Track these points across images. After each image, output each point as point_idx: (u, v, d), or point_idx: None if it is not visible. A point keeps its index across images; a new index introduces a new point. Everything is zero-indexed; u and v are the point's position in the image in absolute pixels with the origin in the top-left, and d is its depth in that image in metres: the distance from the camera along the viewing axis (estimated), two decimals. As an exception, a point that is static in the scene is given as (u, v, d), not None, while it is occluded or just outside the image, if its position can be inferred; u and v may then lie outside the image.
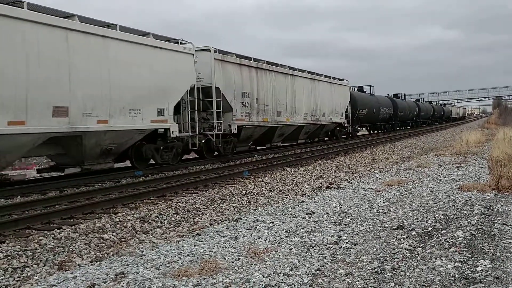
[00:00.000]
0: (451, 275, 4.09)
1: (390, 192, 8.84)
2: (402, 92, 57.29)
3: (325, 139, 28.90)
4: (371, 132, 41.25)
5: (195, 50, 15.35)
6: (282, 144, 23.65)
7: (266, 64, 20.06)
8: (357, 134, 34.38)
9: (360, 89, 37.82)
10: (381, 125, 42.07)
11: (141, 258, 5.24)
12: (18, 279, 5.31)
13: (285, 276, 4.22)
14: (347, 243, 5.28)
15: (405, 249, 4.92)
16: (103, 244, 6.67)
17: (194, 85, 15.01)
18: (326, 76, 26.08)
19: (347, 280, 4.10)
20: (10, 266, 5.56)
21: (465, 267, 4.29)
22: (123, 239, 6.98)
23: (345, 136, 30.60)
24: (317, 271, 4.34)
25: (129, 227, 7.46)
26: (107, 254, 6.17)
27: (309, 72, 24.17)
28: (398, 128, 46.51)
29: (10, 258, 5.75)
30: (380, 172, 13.55)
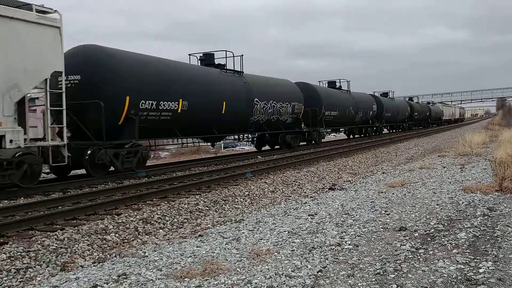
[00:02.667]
0: (453, 276, 4.08)
1: (393, 193, 8.82)
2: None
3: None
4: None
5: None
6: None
7: None
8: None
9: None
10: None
11: (143, 259, 5.24)
12: (21, 280, 5.32)
13: (287, 278, 4.22)
14: (349, 244, 5.27)
15: (407, 250, 4.91)
16: (106, 245, 6.68)
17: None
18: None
19: (349, 281, 4.09)
20: (13, 267, 5.58)
21: (468, 269, 4.28)
22: (126, 240, 6.99)
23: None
24: (319, 273, 4.34)
25: (132, 228, 7.47)
26: (110, 255, 6.19)
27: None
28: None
29: (13, 259, 5.77)
30: (383, 173, 13.53)
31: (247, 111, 18.50)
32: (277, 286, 4.04)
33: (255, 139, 22.57)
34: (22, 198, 9.73)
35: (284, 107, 21.17)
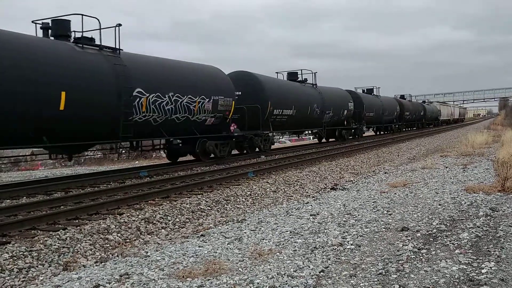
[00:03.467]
0: (456, 277, 4.07)
1: (395, 193, 8.82)
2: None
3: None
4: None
5: None
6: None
7: None
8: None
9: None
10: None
11: (145, 259, 5.25)
12: (23, 279, 5.33)
13: (289, 278, 4.22)
14: (351, 244, 5.27)
15: (409, 250, 4.91)
16: (108, 245, 6.69)
17: None
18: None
19: (352, 281, 4.09)
20: (15, 266, 5.59)
21: (470, 269, 4.27)
22: (128, 240, 6.99)
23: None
24: (321, 273, 4.34)
25: (134, 228, 7.48)
26: (112, 255, 6.19)
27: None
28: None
29: (15, 258, 5.78)
30: (385, 173, 13.52)
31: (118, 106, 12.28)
32: (279, 286, 4.04)
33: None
34: (25, 197, 9.76)
35: (198, 102, 15.09)
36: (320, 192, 10.93)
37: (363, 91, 36.10)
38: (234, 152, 18.94)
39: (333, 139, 28.84)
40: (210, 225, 7.83)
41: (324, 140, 28.83)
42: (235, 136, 17.48)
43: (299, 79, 24.67)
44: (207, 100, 15.60)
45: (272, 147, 21.55)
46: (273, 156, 19.04)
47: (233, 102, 17.02)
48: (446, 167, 12.84)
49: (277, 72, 23.84)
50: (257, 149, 19.51)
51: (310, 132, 28.56)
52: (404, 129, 45.39)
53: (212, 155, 16.47)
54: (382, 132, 40.85)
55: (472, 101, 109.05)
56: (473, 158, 15.02)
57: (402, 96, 49.04)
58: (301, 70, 24.98)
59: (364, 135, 34.06)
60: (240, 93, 18.62)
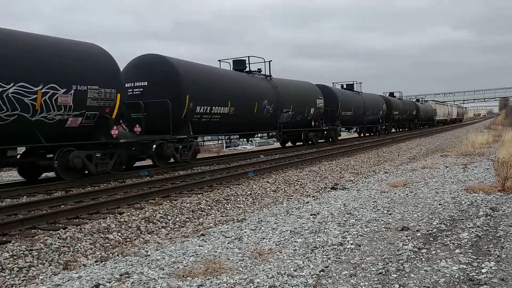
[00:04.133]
0: (456, 276, 4.08)
1: (395, 193, 8.82)
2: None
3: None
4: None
5: None
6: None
7: None
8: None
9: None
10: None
11: (145, 258, 5.25)
12: (23, 278, 5.33)
13: (289, 277, 4.22)
14: (351, 244, 5.27)
15: (410, 250, 4.91)
16: (108, 244, 6.69)
17: None
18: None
19: (352, 281, 4.09)
20: (15, 265, 5.59)
21: (470, 268, 4.28)
22: (128, 239, 7.00)
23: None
24: (322, 272, 4.34)
25: (134, 227, 7.48)
26: (112, 254, 6.20)
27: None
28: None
29: (15, 257, 5.78)
30: (385, 173, 13.52)
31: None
32: (279, 285, 4.04)
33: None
34: (25, 197, 9.76)
35: (43, 94, 9.89)
36: (320, 191, 10.94)
37: (342, 86, 31.54)
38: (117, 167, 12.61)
39: (301, 143, 24.42)
40: (210, 224, 7.83)
41: (290, 144, 25.14)
42: (123, 144, 12.34)
43: (246, 69, 19.77)
44: (63, 90, 10.58)
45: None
46: (272, 156, 18.80)
47: (119, 94, 12.09)
48: (447, 167, 12.84)
49: (219, 60, 19.20)
50: (172, 160, 14.67)
51: (267, 135, 23.22)
52: (393, 130, 40.96)
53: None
54: (367, 134, 36.05)
55: (473, 101, 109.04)
56: (474, 158, 15.02)
57: (392, 94, 44.23)
58: (249, 57, 19.84)
59: (340, 138, 29.73)
60: (146, 83, 14.42)
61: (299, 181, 12.70)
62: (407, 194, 8.54)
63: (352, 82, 32.08)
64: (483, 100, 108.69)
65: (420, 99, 58.98)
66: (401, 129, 45.59)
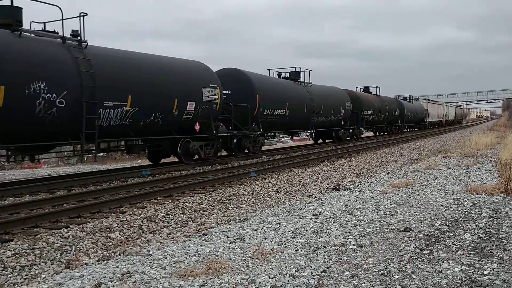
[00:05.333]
0: (458, 278, 4.07)
1: (398, 194, 8.80)
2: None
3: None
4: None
5: None
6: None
7: None
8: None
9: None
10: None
11: (147, 258, 5.26)
12: (26, 277, 5.35)
13: (291, 277, 4.21)
14: (353, 244, 5.26)
15: (412, 251, 4.90)
16: (110, 243, 6.71)
17: None
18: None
19: (353, 282, 4.09)
20: (18, 264, 5.61)
21: (473, 270, 4.26)
22: (130, 239, 7.01)
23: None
24: (323, 273, 4.34)
25: (136, 226, 7.50)
26: (114, 253, 6.21)
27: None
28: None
29: (18, 256, 5.80)
30: (387, 173, 13.50)
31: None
32: (281, 285, 4.04)
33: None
34: (27, 195, 9.78)
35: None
36: (323, 192, 10.93)
37: (291, 77, 23.80)
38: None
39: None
40: (212, 224, 7.84)
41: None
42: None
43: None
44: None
45: (272, 147, 21.52)
46: (274, 156, 19.01)
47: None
48: (449, 168, 12.81)
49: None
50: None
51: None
52: (364, 135, 33.09)
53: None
54: (320, 141, 28.74)
55: (476, 102, 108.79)
56: (476, 159, 14.98)
57: (367, 89, 35.18)
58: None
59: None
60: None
61: (301, 182, 12.70)
62: (409, 195, 8.53)
63: (295, 71, 23.88)
64: (486, 101, 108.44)
65: (408, 97, 47.91)
66: (378, 134, 37.82)
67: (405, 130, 42.85)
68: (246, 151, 18.67)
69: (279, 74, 22.91)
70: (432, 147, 25.30)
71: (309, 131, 24.81)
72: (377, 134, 37.55)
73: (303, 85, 23.50)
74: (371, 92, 35.88)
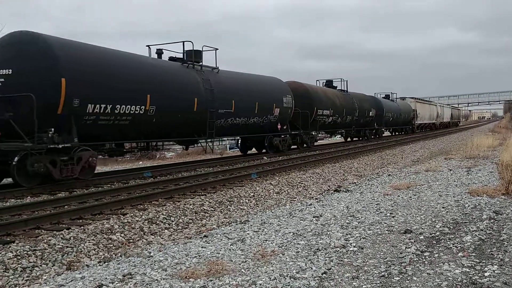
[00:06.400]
0: (458, 280, 4.07)
1: (399, 195, 8.80)
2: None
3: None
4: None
5: None
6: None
7: None
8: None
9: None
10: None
11: (148, 259, 5.27)
12: (27, 278, 5.36)
13: (292, 279, 4.22)
14: (354, 246, 5.27)
15: (412, 253, 4.90)
16: (111, 245, 6.72)
17: None
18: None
19: (354, 283, 4.09)
20: (19, 265, 5.62)
21: (473, 272, 4.27)
22: (131, 240, 7.02)
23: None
24: (324, 275, 4.34)
25: (137, 228, 7.50)
26: (115, 255, 6.21)
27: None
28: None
29: (19, 257, 5.81)
30: (388, 175, 13.49)
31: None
32: (282, 287, 4.05)
33: None
34: (29, 197, 9.79)
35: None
36: (324, 194, 10.93)
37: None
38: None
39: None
40: (213, 226, 7.84)
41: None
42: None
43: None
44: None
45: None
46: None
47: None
48: (450, 170, 12.81)
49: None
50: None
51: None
52: (319, 142, 27.55)
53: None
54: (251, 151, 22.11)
55: (477, 103, 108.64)
56: (478, 161, 14.97)
57: (329, 83, 28.08)
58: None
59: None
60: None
61: (302, 183, 12.70)
62: (411, 197, 8.53)
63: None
64: (487, 103, 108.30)
65: (391, 95, 39.58)
66: (350, 139, 31.51)
67: (383, 135, 36.46)
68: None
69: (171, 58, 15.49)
70: (434, 149, 25.29)
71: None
72: (348, 140, 31.58)
73: (198, 70, 15.49)
74: (336, 87, 28.22)
